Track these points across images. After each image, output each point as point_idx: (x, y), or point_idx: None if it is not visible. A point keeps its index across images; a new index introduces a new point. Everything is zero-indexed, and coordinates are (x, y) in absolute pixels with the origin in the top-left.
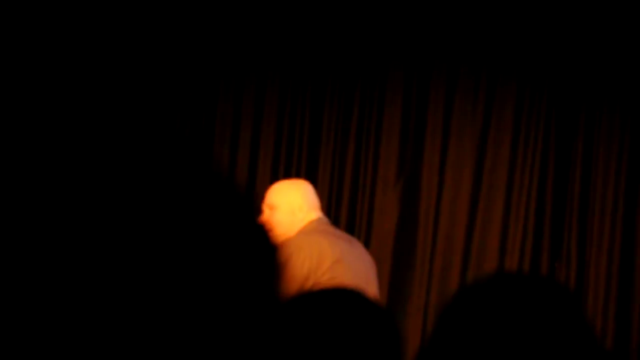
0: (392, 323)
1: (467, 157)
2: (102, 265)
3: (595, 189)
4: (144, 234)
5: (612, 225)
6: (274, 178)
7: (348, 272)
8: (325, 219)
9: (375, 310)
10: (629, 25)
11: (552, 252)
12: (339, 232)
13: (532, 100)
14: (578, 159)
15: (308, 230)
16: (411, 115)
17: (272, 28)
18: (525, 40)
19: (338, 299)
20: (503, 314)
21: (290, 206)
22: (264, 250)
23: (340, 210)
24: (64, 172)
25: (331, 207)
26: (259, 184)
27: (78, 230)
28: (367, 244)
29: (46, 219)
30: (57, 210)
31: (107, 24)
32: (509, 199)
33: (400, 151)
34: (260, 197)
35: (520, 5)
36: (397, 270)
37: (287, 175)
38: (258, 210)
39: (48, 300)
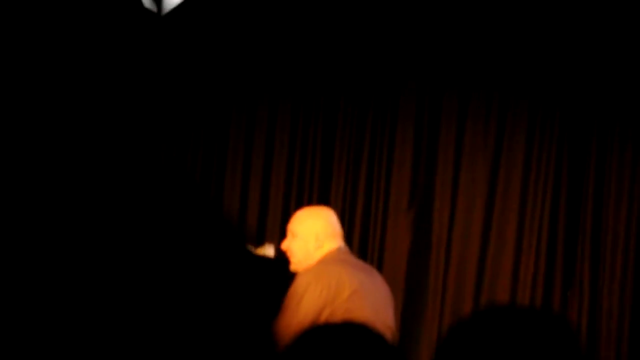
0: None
1: (479, 183)
2: (106, 271)
3: (608, 218)
4: (155, 262)
5: (624, 252)
6: (286, 204)
7: (365, 303)
8: (345, 248)
9: (384, 347)
10: None
11: (564, 279)
12: (358, 262)
13: (544, 128)
14: (590, 187)
15: (328, 260)
16: (423, 141)
17: (284, 54)
18: (537, 67)
19: (347, 335)
20: (505, 348)
21: (310, 235)
22: (280, 277)
23: (353, 236)
24: (80, 185)
25: (343, 234)
26: (270, 211)
27: (85, 239)
28: (379, 270)
29: (45, 221)
30: (59, 214)
31: (124, 50)
32: (522, 225)
33: (412, 177)
34: (271, 223)
35: (533, 32)
36: (409, 297)
37: (299, 201)
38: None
39: (43, 298)
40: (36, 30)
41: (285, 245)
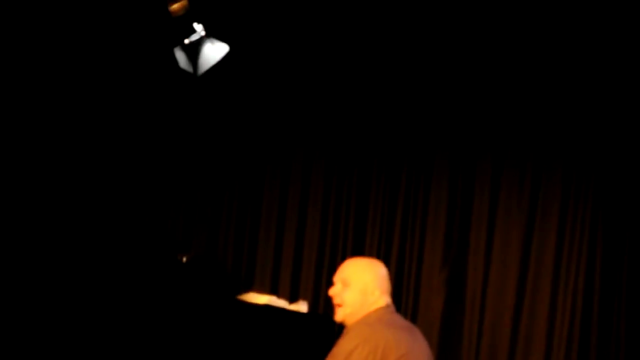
0: None
1: (513, 245)
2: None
3: None
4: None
5: None
6: (319, 264)
7: None
8: (392, 307)
9: None
10: None
11: (599, 338)
12: (404, 322)
13: (578, 192)
14: (625, 254)
15: (375, 319)
16: (457, 202)
17: (320, 113)
18: (572, 134)
19: None
20: None
21: (365, 286)
22: (315, 333)
23: None
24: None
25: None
26: (304, 270)
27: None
28: None
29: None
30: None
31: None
32: (556, 286)
33: (446, 237)
34: (305, 285)
35: (565, 101)
36: (443, 356)
37: (332, 261)
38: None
39: (38, 298)
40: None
41: (334, 292)
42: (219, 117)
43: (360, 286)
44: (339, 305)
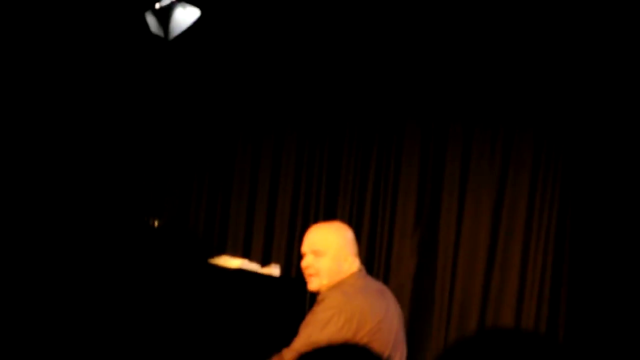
0: None
1: (484, 206)
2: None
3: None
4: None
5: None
6: (292, 230)
7: (385, 335)
8: (364, 270)
9: None
10: None
11: (569, 296)
12: (375, 285)
13: (550, 149)
14: (595, 211)
15: (349, 286)
16: (429, 165)
17: (290, 83)
18: (543, 94)
19: (348, 357)
20: None
21: (338, 253)
22: (287, 295)
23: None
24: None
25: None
26: (276, 236)
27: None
28: None
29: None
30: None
31: (131, 75)
32: (527, 246)
33: (417, 201)
34: (277, 248)
35: (539, 61)
36: (415, 318)
37: (305, 226)
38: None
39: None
40: (45, 54)
41: (307, 263)
42: (192, 85)
43: (334, 253)
44: (314, 275)
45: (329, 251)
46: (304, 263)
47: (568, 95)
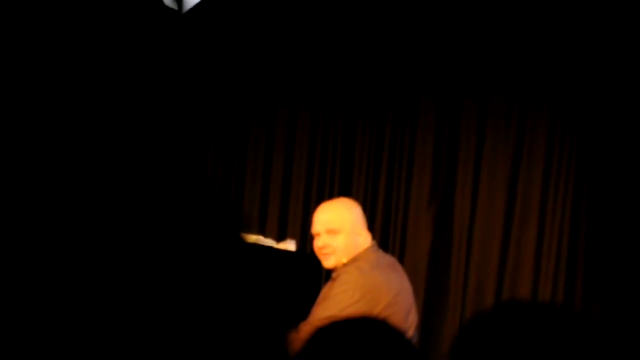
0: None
1: (500, 181)
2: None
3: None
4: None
5: None
6: (307, 205)
7: (401, 308)
8: (376, 245)
9: (401, 343)
10: None
11: (587, 267)
12: (388, 259)
13: (565, 128)
14: (612, 185)
15: (365, 262)
16: (444, 140)
17: (304, 56)
18: (559, 68)
19: (365, 331)
20: (524, 344)
21: (353, 228)
22: (304, 271)
23: (374, 234)
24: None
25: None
26: (291, 211)
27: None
28: None
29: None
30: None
31: (145, 49)
32: (543, 221)
33: (433, 174)
34: (293, 224)
35: (553, 36)
36: (431, 291)
37: (320, 201)
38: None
39: (46, 300)
40: (58, 28)
41: (323, 243)
42: (203, 58)
43: (349, 229)
44: (330, 254)
45: (344, 227)
46: (320, 243)
47: (584, 68)
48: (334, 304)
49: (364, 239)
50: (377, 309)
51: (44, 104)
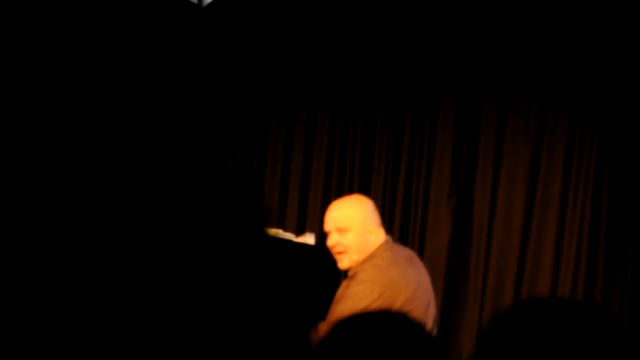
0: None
1: (520, 173)
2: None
3: None
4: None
5: None
6: (326, 198)
7: (420, 302)
8: (390, 240)
9: (422, 336)
10: None
11: (607, 270)
12: (404, 253)
13: (586, 118)
14: (632, 180)
15: (381, 258)
16: (463, 132)
17: (326, 49)
18: (578, 62)
19: (386, 324)
20: (546, 339)
21: (363, 227)
22: (323, 264)
23: (393, 227)
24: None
25: (384, 223)
26: (310, 204)
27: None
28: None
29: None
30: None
31: (165, 41)
32: (563, 214)
33: (453, 167)
34: (312, 218)
35: (573, 31)
36: (450, 285)
37: (339, 194)
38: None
39: (48, 301)
40: (80, 20)
41: (333, 242)
42: (223, 52)
43: (358, 227)
44: (342, 253)
45: (353, 226)
46: (330, 242)
47: (604, 62)
48: (353, 303)
49: (376, 236)
50: (397, 304)
51: (63, 100)
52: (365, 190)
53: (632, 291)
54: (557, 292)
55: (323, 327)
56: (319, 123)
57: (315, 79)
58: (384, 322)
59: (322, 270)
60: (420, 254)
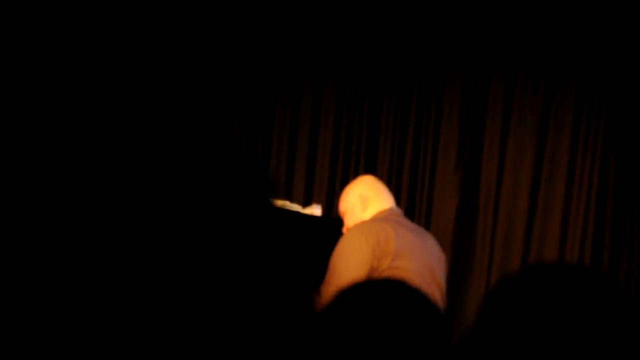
0: (440, 326)
1: (526, 143)
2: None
3: None
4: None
5: None
6: (333, 170)
7: (413, 265)
8: (398, 210)
9: (423, 304)
10: None
11: (614, 237)
12: (411, 225)
13: (593, 88)
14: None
15: (376, 218)
16: (470, 103)
17: (330, 23)
18: (586, 33)
19: (389, 291)
20: (552, 306)
21: (354, 200)
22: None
23: (400, 199)
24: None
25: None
26: (317, 177)
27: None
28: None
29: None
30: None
31: (167, 20)
32: (570, 184)
33: (459, 138)
34: (319, 189)
35: (580, 4)
36: (457, 256)
37: (346, 166)
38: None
39: (48, 301)
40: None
41: (344, 224)
42: (228, 31)
43: (352, 201)
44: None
45: (347, 208)
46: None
47: (613, 33)
48: (339, 255)
49: (373, 203)
50: (386, 251)
51: (67, 96)
52: (372, 162)
53: (638, 258)
54: (564, 260)
55: (323, 288)
56: (325, 97)
57: (321, 55)
58: (385, 290)
59: (330, 241)
60: (427, 224)
